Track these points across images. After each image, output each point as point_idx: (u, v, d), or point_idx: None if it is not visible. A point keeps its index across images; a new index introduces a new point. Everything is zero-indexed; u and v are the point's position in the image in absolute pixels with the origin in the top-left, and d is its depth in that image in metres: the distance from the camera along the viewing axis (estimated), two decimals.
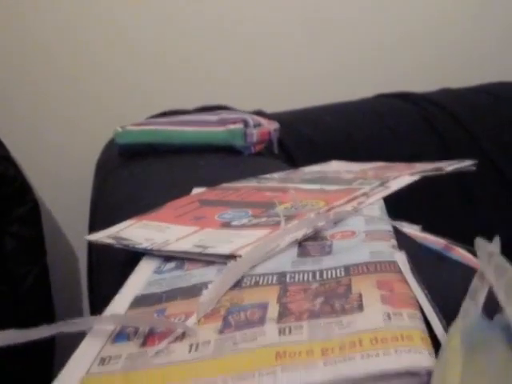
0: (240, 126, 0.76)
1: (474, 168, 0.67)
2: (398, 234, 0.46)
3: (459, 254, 0.45)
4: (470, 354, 0.25)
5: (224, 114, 0.81)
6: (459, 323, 0.29)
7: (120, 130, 0.85)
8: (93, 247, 0.79)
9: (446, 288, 0.39)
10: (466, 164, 0.66)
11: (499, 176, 1.05)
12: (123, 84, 1.14)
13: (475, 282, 0.33)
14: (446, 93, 1.20)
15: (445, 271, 0.42)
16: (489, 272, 0.30)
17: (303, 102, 1.10)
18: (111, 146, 1.02)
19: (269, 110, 1.04)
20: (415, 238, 0.46)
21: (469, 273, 0.40)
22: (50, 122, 1.13)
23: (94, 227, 0.82)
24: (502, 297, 0.27)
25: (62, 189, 1.15)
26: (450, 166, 0.64)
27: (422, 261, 0.41)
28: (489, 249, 0.32)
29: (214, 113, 0.83)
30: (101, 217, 0.79)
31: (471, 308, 0.30)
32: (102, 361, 0.34)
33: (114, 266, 0.55)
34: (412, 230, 0.47)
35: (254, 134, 0.77)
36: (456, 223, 0.94)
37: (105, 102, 1.13)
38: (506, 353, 0.24)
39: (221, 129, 0.78)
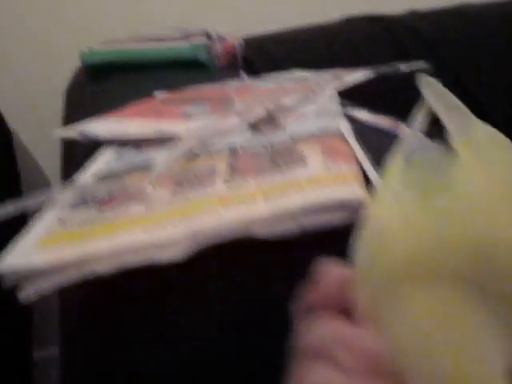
0: (203, 39, 0.77)
1: (431, 70, 0.68)
2: (348, 118, 0.48)
3: (406, 131, 0.47)
4: (408, 168, 0.25)
5: (187, 29, 0.82)
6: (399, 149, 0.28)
7: (86, 50, 0.86)
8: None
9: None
10: (423, 66, 0.68)
11: (473, 104, 1.04)
12: (92, 7, 1.13)
13: (414, 110, 0.33)
14: (420, 17, 1.18)
15: (387, 144, 0.44)
16: (428, 95, 0.31)
17: (271, 24, 1.10)
18: (80, 72, 1.02)
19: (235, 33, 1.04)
20: (363, 120, 0.48)
21: None
22: (18, 52, 1.12)
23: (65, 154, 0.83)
24: (442, 115, 0.28)
25: (35, 120, 1.15)
26: (405, 67, 0.66)
27: (368, 137, 0.44)
28: (429, 79, 0.33)
29: (178, 28, 0.84)
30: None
31: (410, 133, 0.30)
32: (61, 222, 0.36)
33: None
34: (361, 114, 0.49)
35: (219, 48, 0.78)
36: None
37: (73, 27, 1.13)
38: (442, 166, 0.24)
39: (184, 43, 0.79)
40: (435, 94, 0.31)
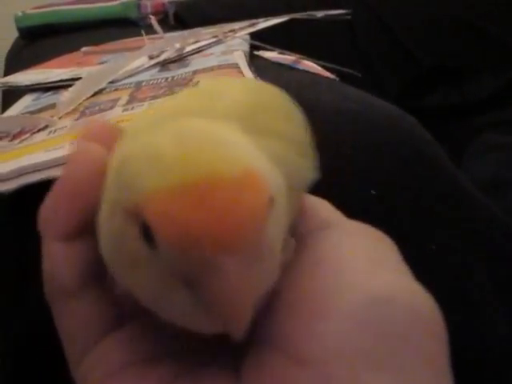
0: None
1: (349, 17, 0.72)
2: (254, 57, 0.52)
3: (306, 65, 0.50)
4: None
5: None
6: None
7: (20, 14, 0.87)
8: None
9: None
10: (340, 12, 0.71)
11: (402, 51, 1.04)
12: None
13: None
14: None
15: (285, 74, 0.47)
16: None
17: None
18: (18, 41, 1.03)
19: None
20: (270, 58, 0.52)
21: (304, 74, 0.46)
22: None
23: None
24: None
25: None
26: (321, 13, 0.69)
27: (267, 71, 0.47)
28: None
29: None
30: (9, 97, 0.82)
31: None
32: None
33: None
34: (268, 53, 0.53)
35: (148, 5, 0.80)
36: None
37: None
38: None
39: (114, 2, 0.81)
40: None
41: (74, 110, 0.41)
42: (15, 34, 1.05)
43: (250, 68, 0.43)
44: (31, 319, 0.34)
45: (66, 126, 0.38)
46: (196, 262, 0.15)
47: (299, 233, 0.21)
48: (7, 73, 0.91)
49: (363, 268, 0.19)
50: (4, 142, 0.39)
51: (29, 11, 0.87)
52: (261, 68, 0.46)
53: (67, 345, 0.20)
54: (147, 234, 0.16)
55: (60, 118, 0.40)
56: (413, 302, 0.18)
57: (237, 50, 0.48)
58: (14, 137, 0.40)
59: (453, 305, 0.34)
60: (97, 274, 0.20)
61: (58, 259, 0.19)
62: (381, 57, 1.08)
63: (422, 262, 0.36)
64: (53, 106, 0.45)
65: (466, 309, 0.38)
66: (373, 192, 0.38)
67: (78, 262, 0.19)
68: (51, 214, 0.19)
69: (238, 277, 0.15)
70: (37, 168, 0.34)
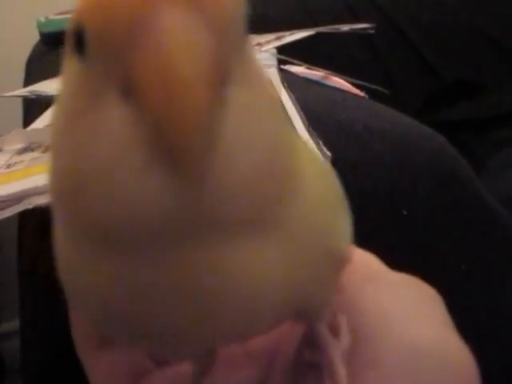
0: None
1: (373, 31, 0.72)
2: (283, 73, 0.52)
3: (335, 81, 0.50)
4: None
5: None
6: None
7: (43, 20, 0.88)
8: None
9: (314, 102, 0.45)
10: (365, 26, 0.71)
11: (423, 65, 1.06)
12: None
13: None
14: None
15: (313, 90, 0.47)
16: None
17: None
18: (40, 43, 1.03)
19: None
20: (298, 73, 0.52)
21: (334, 92, 0.46)
22: None
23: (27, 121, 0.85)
24: None
25: None
26: (346, 27, 0.69)
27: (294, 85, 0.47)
28: None
29: None
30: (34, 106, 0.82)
31: None
32: (8, 166, 0.39)
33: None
34: (295, 68, 0.53)
35: None
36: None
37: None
38: None
39: None
40: None
41: None
42: (32, 40, 1.06)
43: (284, 85, 0.43)
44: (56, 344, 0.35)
45: None
46: (130, 39, 0.12)
47: (346, 285, 0.21)
48: (28, 78, 0.92)
49: (405, 321, 0.19)
50: (37, 154, 0.40)
51: (52, 17, 0.88)
52: (289, 83, 0.46)
53: None
54: (79, 42, 0.14)
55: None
56: (448, 357, 0.19)
57: (267, 66, 0.48)
58: (48, 148, 0.40)
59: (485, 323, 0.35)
60: None
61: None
62: (402, 71, 1.08)
63: (454, 282, 0.36)
64: None
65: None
66: (404, 212, 0.38)
67: None
68: None
69: (184, 38, 0.11)
70: None
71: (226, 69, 0.12)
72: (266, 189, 0.13)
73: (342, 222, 0.19)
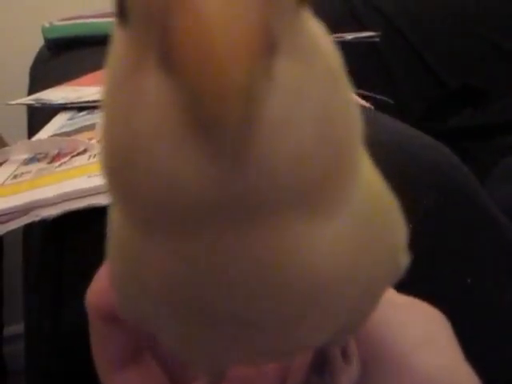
0: None
1: (378, 39, 0.72)
2: None
3: None
4: None
5: None
6: None
7: (47, 25, 0.88)
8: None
9: None
10: (370, 35, 0.71)
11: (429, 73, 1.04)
12: None
13: None
14: None
15: None
16: None
17: None
18: (44, 48, 1.03)
19: None
20: None
21: None
22: None
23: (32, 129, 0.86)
24: None
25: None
26: (351, 35, 0.69)
27: None
28: None
29: None
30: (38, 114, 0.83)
31: None
32: (15, 176, 0.39)
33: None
34: None
35: None
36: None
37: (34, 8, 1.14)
38: None
39: None
40: None
41: None
42: (37, 45, 1.06)
43: None
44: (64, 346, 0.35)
45: None
46: (169, 2, 0.11)
47: None
48: (32, 83, 0.92)
49: (415, 349, 0.19)
50: (43, 164, 0.40)
51: (56, 23, 0.88)
52: None
53: None
54: (122, 8, 0.13)
55: (99, 142, 0.41)
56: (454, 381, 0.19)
57: None
58: (54, 159, 0.40)
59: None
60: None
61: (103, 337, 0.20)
62: (406, 78, 1.08)
63: (460, 296, 0.36)
64: (89, 127, 0.45)
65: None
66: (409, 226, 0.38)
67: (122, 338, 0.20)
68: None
69: (226, 2, 0.10)
70: (80, 195, 0.35)
71: (273, 36, 0.11)
72: (317, 168, 0.12)
73: (402, 233, 0.18)
